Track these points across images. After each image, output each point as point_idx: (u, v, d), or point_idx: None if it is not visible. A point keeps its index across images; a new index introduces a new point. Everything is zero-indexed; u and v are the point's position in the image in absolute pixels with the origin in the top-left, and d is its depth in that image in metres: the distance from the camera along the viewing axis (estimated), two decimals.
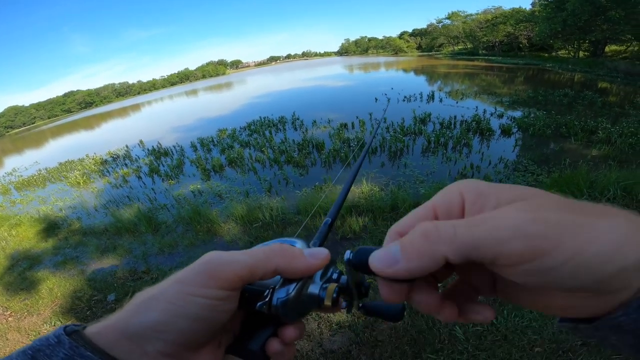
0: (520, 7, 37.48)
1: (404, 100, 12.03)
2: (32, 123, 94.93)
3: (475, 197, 0.24)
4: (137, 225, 4.51)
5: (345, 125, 8.90)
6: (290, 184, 5.70)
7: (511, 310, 2.14)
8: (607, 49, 22.85)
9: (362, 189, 4.53)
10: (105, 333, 0.26)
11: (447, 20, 53.54)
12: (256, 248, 0.30)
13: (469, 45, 46.86)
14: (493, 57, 33.97)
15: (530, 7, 36.63)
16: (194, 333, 0.26)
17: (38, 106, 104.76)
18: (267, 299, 0.29)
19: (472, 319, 0.26)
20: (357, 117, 9.37)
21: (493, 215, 0.21)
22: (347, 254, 0.28)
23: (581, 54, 24.44)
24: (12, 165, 15.67)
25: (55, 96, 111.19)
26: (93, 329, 0.26)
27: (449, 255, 0.21)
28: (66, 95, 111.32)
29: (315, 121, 10.12)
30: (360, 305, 0.33)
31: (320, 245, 0.40)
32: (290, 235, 0.36)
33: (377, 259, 0.24)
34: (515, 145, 6.29)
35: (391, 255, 0.23)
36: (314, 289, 0.31)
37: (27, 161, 16.34)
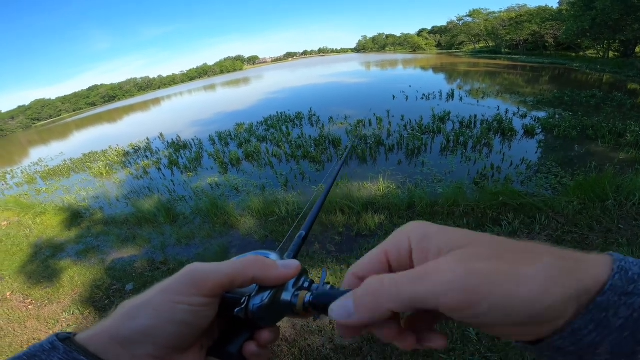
0: (546, 5, 36.19)
1: (422, 98, 11.83)
2: (58, 115, 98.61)
3: (420, 242, 0.27)
4: (157, 216, 4.62)
5: (362, 122, 8.84)
6: (307, 179, 5.72)
7: None
8: (638, 49, 21.79)
9: (378, 186, 4.49)
10: (96, 339, 0.27)
11: (468, 18, 52.27)
12: (234, 259, 0.33)
13: (491, 44, 45.59)
14: (516, 56, 32.95)
15: (557, 5, 35.34)
16: (180, 336, 0.29)
17: (64, 99, 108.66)
18: (243, 305, 0.31)
19: (427, 346, 0.29)
20: (374, 114, 9.28)
21: (432, 267, 0.24)
22: (308, 297, 0.32)
23: (610, 54, 23.38)
24: (39, 156, 16.37)
25: (80, 90, 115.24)
26: (84, 336, 0.28)
27: (394, 309, 0.24)
28: (90, 89, 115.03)
29: (332, 117, 10.10)
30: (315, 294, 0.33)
31: (294, 257, 0.43)
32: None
33: (335, 312, 0.27)
34: (539, 146, 6.09)
35: (346, 309, 0.26)
36: (286, 296, 0.33)
37: (52, 152, 17.03)
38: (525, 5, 40.86)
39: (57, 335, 0.27)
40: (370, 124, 8.73)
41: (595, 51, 25.33)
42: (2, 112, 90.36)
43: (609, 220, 2.83)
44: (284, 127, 9.98)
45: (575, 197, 3.17)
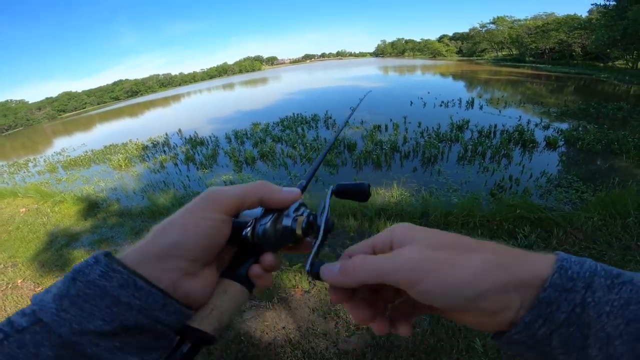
0: (575, 13, 35.17)
1: (440, 106, 11.68)
2: (83, 108, 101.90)
3: (398, 237, 0.32)
4: (171, 210, 4.68)
5: (379, 127, 8.79)
6: (320, 181, 5.72)
7: None
8: None
9: (392, 193, 4.45)
10: (131, 255, 0.31)
11: (491, 25, 51.28)
12: (245, 184, 0.37)
13: (515, 52, 44.58)
14: (541, 65, 32.12)
15: (586, 14, 34.25)
16: (203, 250, 0.33)
17: (89, 93, 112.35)
18: (250, 226, 0.36)
19: (394, 331, 0.35)
20: (390, 120, 9.22)
21: (397, 252, 0.30)
22: (305, 220, 0.37)
23: None
24: (62, 146, 16.94)
25: (105, 84, 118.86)
26: (122, 254, 0.31)
27: (367, 279, 0.30)
28: (115, 83, 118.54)
29: (347, 121, 10.07)
30: (310, 261, 0.36)
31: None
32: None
33: (324, 272, 0.33)
34: (560, 159, 5.91)
35: (332, 271, 0.32)
36: (287, 221, 0.37)
37: (75, 143, 17.54)
38: (553, 13, 39.82)
39: (99, 252, 0.30)
40: (386, 130, 8.67)
41: (625, 61, 24.42)
42: (30, 102, 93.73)
43: (628, 237, 2.73)
44: (299, 129, 10.02)
45: (595, 212, 3.06)
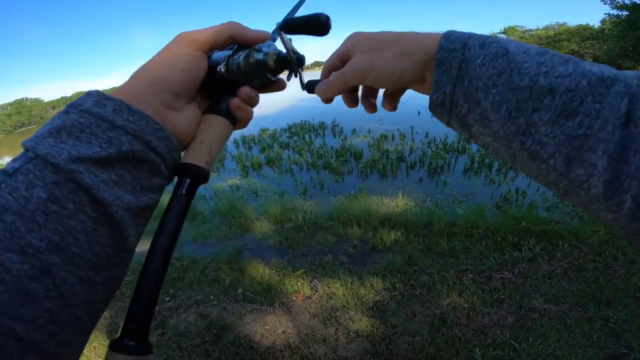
0: (587, 24, 35.01)
1: None
2: None
3: (349, 48, 0.41)
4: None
5: (386, 136, 8.81)
6: (325, 189, 5.75)
7: (537, 337, 2.02)
8: None
9: (397, 202, 4.45)
10: (118, 93, 0.31)
11: (502, 35, 51.33)
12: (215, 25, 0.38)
13: None
14: None
15: (599, 24, 34.07)
16: (184, 83, 0.34)
17: None
18: (224, 62, 0.38)
19: (371, 102, 0.49)
20: (397, 129, 9.25)
21: (348, 64, 0.40)
22: (277, 53, 0.38)
23: None
24: None
25: (118, 85, 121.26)
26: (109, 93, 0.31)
27: (345, 82, 0.41)
28: None
29: (354, 130, 10.13)
30: (306, 82, 0.45)
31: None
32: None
33: (318, 88, 0.44)
34: None
35: (323, 87, 0.43)
36: (258, 55, 0.38)
37: None
38: (565, 23, 39.64)
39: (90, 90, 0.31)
40: (393, 139, 8.69)
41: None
42: (45, 101, 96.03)
43: (634, 251, 2.69)
44: (306, 135, 10.10)
45: (602, 226, 3.02)
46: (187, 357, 2.18)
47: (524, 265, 2.74)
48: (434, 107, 0.35)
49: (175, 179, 0.36)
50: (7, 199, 0.22)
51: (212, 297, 2.79)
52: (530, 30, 45.11)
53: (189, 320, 2.53)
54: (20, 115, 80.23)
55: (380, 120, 10.78)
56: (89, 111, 0.27)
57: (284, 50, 0.39)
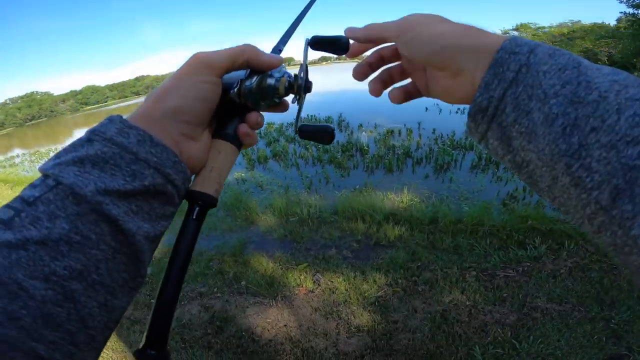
0: (603, 22, 34.08)
1: (457, 112, 11.50)
2: (105, 102, 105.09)
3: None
4: (182, 205, 4.80)
5: (392, 132, 8.75)
6: (330, 183, 5.75)
7: (538, 336, 2.02)
8: None
9: (402, 198, 4.44)
10: (136, 119, 0.31)
11: (514, 32, 50.27)
12: (231, 47, 0.37)
13: None
14: None
15: (615, 22, 33.12)
16: (201, 113, 0.34)
17: (112, 87, 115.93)
18: (237, 86, 0.39)
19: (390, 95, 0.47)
20: (404, 125, 9.17)
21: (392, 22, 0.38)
22: (287, 79, 0.40)
23: None
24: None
25: (127, 79, 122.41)
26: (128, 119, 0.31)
27: (379, 32, 0.39)
28: (137, 79, 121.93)
29: (361, 124, 10.09)
30: (300, 126, 0.44)
31: None
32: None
33: (348, 30, 0.41)
34: None
35: (354, 29, 0.40)
36: (270, 80, 0.39)
37: None
38: (580, 21, 38.62)
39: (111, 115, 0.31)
40: (399, 134, 8.63)
41: None
42: (55, 94, 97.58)
43: None
44: None
45: None
46: (189, 348, 2.22)
47: (529, 263, 2.72)
48: (474, 113, 0.31)
49: None
50: (29, 230, 0.23)
51: (215, 290, 2.82)
52: (543, 27, 44.04)
53: (192, 312, 2.58)
54: (31, 108, 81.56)
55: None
56: (112, 140, 0.27)
57: (297, 70, 0.41)
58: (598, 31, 31.68)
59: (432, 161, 6.46)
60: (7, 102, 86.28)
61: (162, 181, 0.29)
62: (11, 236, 0.23)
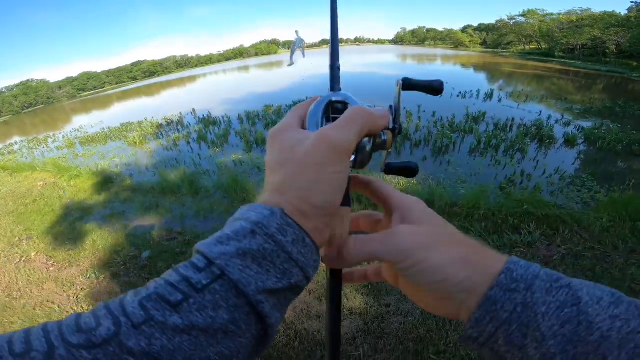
0: (613, 10, 33.23)
1: (458, 96, 11.36)
2: (102, 87, 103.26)
3: (405, 215, 0.37)
4: (180, 187, 4.78)
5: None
6: None
7: None
8: None
9: (398, 180, 4.41)
10: (292, 213, 0.31)
11: (521, 18, 49.09)
12: (346, 116, 0.34)
13: (544, 46, 42.65)
14: (571, 61, 30.68)
15: (625, 11, 32.29)
16: (339, 199, 0.33)
17: (109, 73, 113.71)
18: (359, 157, 0.38)
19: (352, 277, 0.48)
20: (404, 108, 9.05)
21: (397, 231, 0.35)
22: (383, 167, 0.44)
23: None
24: (80, 123, 17.32)
25: (124, 64, 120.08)
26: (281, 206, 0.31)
27: (361, 259, 0.36)
28: (134, 64, 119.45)
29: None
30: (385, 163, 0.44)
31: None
32: None
33: (326, 257, 0.37)
34: (578, 157, 5.71)
35: (331, 255, 0.37)
36: (380, 138, 0.38)
37: (93, 120, 17.82)
38: (589, 9, 37.69)
39: (271, 205, 0.31)
40: None
41: None
42: (51, 82, 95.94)
43: (635, 241, 2.65)
44: None
45: (606, 213, 2.96)
46: None
47: (522, 249, 2.71)
48: (464, 339, 0.31)
49: None
50: (196, 317, 0.25)
51: None
52: (552, 14, 42.99)
53: None
54: (27, 96, 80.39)
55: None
56: (274, 238, 0.28)
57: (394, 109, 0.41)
58: (608, 20, 30.93)
59: (431, 144, 6.41)
60: (3, 90, 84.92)
61: (303, 279, 0.30)
62: (179, 321, 0.24)
